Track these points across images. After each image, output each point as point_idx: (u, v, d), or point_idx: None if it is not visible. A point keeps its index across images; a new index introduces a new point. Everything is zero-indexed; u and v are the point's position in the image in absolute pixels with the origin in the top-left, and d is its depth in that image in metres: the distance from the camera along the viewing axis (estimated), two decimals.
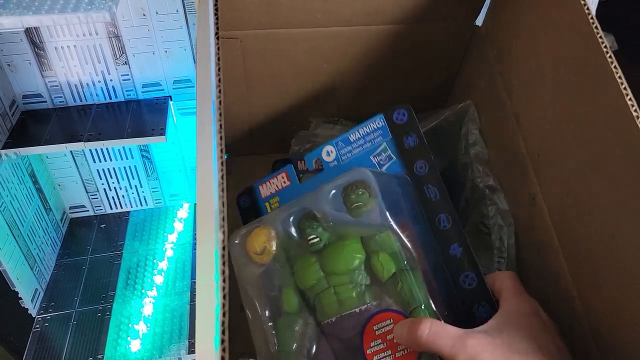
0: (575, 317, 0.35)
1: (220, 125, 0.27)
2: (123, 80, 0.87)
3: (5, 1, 0.65)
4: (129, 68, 0.86)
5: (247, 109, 0.54)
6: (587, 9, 0.34)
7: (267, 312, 0.37)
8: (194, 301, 0.56)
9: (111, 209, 1.05)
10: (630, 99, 0.30)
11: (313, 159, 0.42)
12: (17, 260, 0.82)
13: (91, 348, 0.82)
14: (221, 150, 0.27)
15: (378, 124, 0.40)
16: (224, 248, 0.24)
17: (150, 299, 0.90)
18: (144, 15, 0.80)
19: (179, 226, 1.02)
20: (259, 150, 0.58)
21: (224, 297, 0.22)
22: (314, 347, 0.36)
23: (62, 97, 0.87)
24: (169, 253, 0.98)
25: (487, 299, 0.35)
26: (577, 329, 0.35)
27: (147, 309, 0.88)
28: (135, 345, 0.83)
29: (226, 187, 0.26)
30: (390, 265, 0.34)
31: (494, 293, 0.35)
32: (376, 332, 0.34)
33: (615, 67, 0.31)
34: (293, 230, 0.37)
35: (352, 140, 0.41)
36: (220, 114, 0.28)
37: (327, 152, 0.41)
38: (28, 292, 0.86)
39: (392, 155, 0.39)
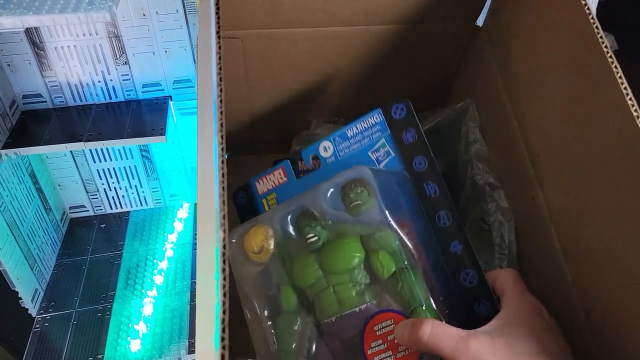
0: (575, 317, 0.35)
1: (221, 124, 0.27)
2: (123, 80, 0.87)
3: (5, 1, 0.65)
4: (129, 68, 0.86)
5: (247, 109, 0.54)
6: (587, 9, 0.34)
7: (265, 311, 0.37)
8: (194, 301, 0.55)
9: (111, 209, 1.05)
10: (630, 99, 0.30)
11: (310, 154, 0.41)
12: (17, 260, 0.82)
13: (91, 348, 0.82)
14: (222, 149, 0.27)
15: (376, 119, 0.39)
16: (224, 247, 0.24)
17: (150, 299, 0.90)
18: (144, 15, 0.80)
19: (179, 226, 1.02)
20: (260, 150, 0.58)
21: (224, 295, 0.22)
22: (314, 347, 0.36)
23: (62, 97, 0.87)
24: (169, 253, 0.98)
25: (487, 296, 0.35)
26: (577, 329, 0.35)
27: (147, 309, 0.88)
28: (135, 345, 0.83)
29: (227, 186, 0.26)
30: (390, 264, 0.34)
31: (496, 291, 0.35)
32: (377, 332, 0.34)
33: (615, 67, 0.31)
34: (291, 229, 0.37)
35: (349, 136, 0.40)
36: (221, 113, 0.28)
37: (325, 147, 0.40)
38: (28, 292, 0.86)
39: (390, 151, 0.39)
